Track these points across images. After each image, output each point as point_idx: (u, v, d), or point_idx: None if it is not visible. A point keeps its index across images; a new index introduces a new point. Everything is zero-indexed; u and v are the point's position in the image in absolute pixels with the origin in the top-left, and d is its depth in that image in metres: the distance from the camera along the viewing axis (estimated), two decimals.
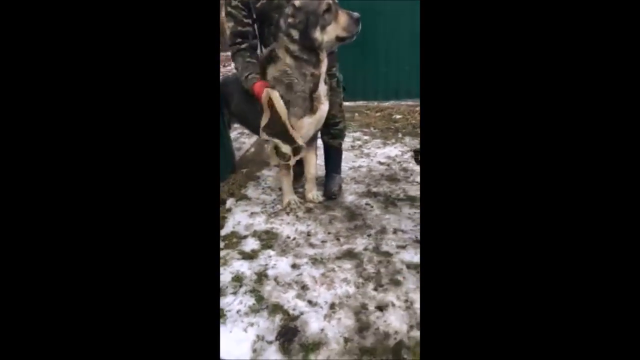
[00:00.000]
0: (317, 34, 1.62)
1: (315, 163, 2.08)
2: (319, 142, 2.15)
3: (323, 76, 1.78)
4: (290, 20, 1.62)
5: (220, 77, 2.21)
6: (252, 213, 1.97)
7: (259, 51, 1.92)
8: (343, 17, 1.61)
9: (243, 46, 1.79)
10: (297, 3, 1.61)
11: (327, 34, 1.62)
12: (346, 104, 3.69)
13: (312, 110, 1.80)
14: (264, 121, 1.77)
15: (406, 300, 1.36)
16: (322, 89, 1.81)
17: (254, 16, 1.81)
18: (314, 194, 2.07)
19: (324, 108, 1.86)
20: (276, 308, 1.34)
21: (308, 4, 1.60)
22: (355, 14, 1.61)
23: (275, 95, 1.70)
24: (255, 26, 1.85)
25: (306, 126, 1.84)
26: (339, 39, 1.65)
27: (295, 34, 1.64)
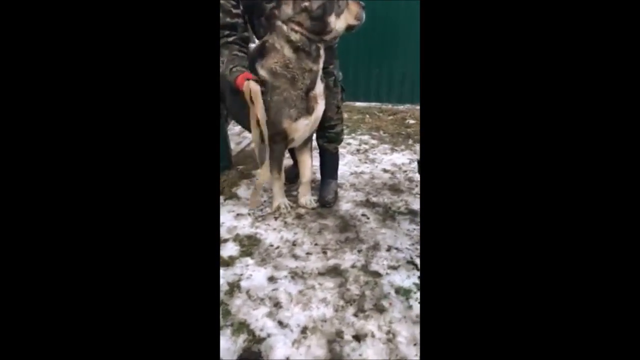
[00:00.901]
0: (332, 20, 1.53)
1: (311, 165, 1.94)
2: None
3: (320, 73, 1.65)
4: (306, 4, 1.49)
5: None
6: (238, 214, 1.85)
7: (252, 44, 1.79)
8: (354, 5, 1.55)
9: (231, 39, 1.63)
10: None
11: (340, 22, 1.55)
12: (357, 104, 3.54)
13: (308, 111, 1.67)
14: (252, 117, 1.63)
15: (388, 332, 1.21)
16: (319, 87, 1.68)
17: (242, 7, 1.67)
18: (307, 198, 1.93)
19: (320, 108, 1.73)
20: (242, 326, 1.21)
21: None
22: (362, 3, 1.54)
23: (256, 91, 1.56)
24: (246, 17, 1.71)
25: (302, 128, 1.72)
26: (349, 27, 1.58)
27: (305, 19, 1.51)
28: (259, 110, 1.57)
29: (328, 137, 1.94)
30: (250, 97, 1.57)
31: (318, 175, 2.15)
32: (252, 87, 1.55)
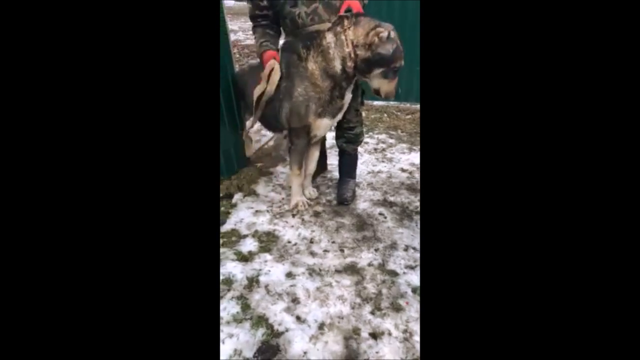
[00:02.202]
0: (375, 73, 1.56)
1: (316, 159, 1.98)
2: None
3: (352, 87, 1.69)
4: (382, 33, 1.47)
5: (236, 69, 2.13)
6: (257, 211, 1.88)
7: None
8: (390, 86, 1.62)
9: (263, 22, 1.72)
10: (392, 34, 1.49)
11: (381, 84, 1.60)
12: (375, 103, 3.53)
13: (332, 113, 1.70)
14: (258, 91, 1.71)
15: (405, 330, 1.21)
16: (348, 97, 1.71)
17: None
18: (309, 190, 2.01)
19: (341, 115, 1.76)
20: (260, 320, 1.24)
21: (392, 50, 1.50)
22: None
23: (277, 69, 1.64)
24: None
25: (325, 127, 1.74)
26: (375, 92, 1.66)
27: (364, 52, 1.51)
28: (267, 89, 1.66)
29: (347, 137, 1.94)
30: (269, 76, 1.63)
31: (336, 174, 2.16)
32: (274, 67, 1.62)
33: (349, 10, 1.54)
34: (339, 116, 1.76)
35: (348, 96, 1.71)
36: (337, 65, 1.55)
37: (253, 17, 1.75)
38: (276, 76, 1.64)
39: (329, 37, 1.53)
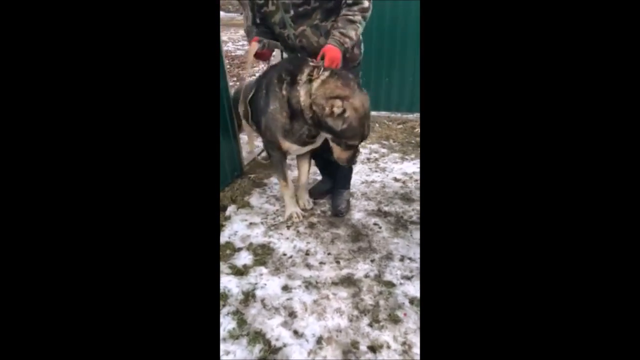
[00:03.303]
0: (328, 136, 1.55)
1: (308, 171, 1.97)
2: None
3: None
4: (327, 112, 1.42)
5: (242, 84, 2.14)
6: (251, 223, 1.86)
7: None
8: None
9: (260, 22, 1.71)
10: (348, 113, 1.43)
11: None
12: None
13: (301, 144, 1.67)
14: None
15: (404, 343, 1.21)
16: (320, 140, 1.66)
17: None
18: (304, 200, 2.01)
19: (317, 142, 1.70)
20: (257, 336, 1.21)
21: (342, 128, 1.45)
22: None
23: (251, 49, 1.66)
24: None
25: (292, 149, 1.73)
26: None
27: (317, 110, 1.47)
28: (246, 63, 1.72)
29: None
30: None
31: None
32: (250, 45, 1.66)
33: (322, 57, 1.49)
34: (311, 147, 1.72)
35: (321, 139, 1.65)
36: (300, 106, 1.50)
37: (248, 33, 1.74)
38: (251, 54, 1.66)
39: (304, 75, 1.49)
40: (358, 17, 1.49)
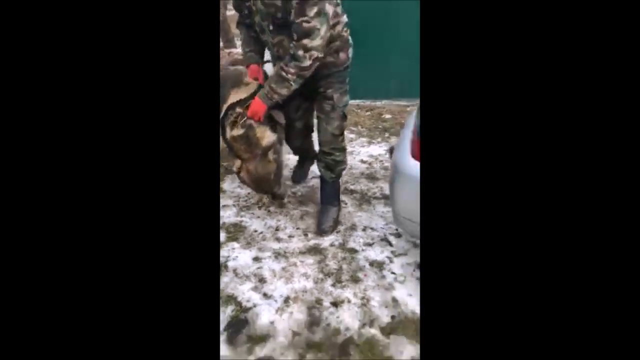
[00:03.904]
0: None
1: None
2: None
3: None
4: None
5: None
6: (223, 206, 1.96)
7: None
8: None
9: (247, 20, 1.62)
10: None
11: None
12: None
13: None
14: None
15: (363, 298, 1.34)
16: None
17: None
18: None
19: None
20: (229, 299, 1.33)
21: None
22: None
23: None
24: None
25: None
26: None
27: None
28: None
29: (325, 163, 1.74)
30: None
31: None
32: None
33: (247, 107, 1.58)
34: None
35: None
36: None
37: (236, 8, 1.65)
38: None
39: (232, 117, 1.60)
40: (292, 77, 1.43)
